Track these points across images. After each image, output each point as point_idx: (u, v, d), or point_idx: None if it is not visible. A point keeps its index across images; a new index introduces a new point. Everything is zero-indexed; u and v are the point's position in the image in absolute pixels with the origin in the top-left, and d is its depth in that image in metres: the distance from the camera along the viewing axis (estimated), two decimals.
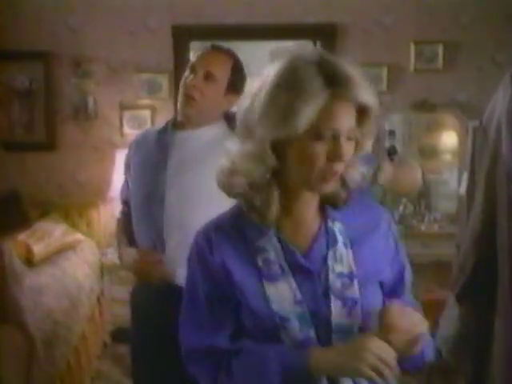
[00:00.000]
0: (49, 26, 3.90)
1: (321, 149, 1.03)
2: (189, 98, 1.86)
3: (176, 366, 1.80)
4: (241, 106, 1.11)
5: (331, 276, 1.09)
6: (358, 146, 1.09)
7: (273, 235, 1.11)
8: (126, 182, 2.01)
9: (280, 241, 1.11)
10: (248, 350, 1.09)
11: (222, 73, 1.88)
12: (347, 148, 1.05)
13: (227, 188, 1.13)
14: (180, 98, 1.90)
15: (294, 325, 1.06)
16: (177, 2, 3.90)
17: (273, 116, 1.03)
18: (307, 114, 1.00)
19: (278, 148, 1.06)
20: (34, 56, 3.90)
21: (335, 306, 1.08)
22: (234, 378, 1.09)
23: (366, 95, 1.04)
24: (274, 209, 1.09)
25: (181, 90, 1.89)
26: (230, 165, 1.10)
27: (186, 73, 1.89)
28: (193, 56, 1.93)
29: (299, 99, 1.00)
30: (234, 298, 1.10)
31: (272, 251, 1.10)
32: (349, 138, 1.05)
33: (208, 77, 1.85)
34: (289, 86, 1.02)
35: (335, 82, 1.02)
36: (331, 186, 1.08)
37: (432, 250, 3.66)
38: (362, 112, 1.06)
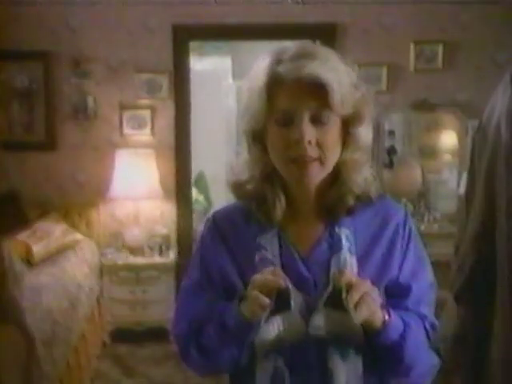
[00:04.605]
0: (49, 25, 3.90)
1: (281, 133, 1.04)
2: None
3: None
4: None
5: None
6: (348, 134, 1.07)
7: (275, 234, 1.10)
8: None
9: (281, 242, 1.10)
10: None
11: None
12: (311, 130, 1.02)
13: (235, 190, 1.16)
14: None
15: None
16: (177, 2, 3.90)
17: (243, 111, 1.10)
18: (256, 99, 1.05)
19: (264, 145, 1.09)
20: (34, 56, 3.90)
21: None
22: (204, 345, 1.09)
23: (314, 69, 1.00)
24: (280, 207, 1.10)
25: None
26: (233, 172, 1.15)
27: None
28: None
29: (250, 88, 1.07)
30: (225, 289, 1.11)
31: (270, 251, 1.08)
32: (315, 121, 1.03)
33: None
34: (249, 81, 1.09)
35: (280, 64, 1.05)
36: (312, 176, 1.05)
37: (431, 250, 3.62)
38: (323, 90, 1.01)
